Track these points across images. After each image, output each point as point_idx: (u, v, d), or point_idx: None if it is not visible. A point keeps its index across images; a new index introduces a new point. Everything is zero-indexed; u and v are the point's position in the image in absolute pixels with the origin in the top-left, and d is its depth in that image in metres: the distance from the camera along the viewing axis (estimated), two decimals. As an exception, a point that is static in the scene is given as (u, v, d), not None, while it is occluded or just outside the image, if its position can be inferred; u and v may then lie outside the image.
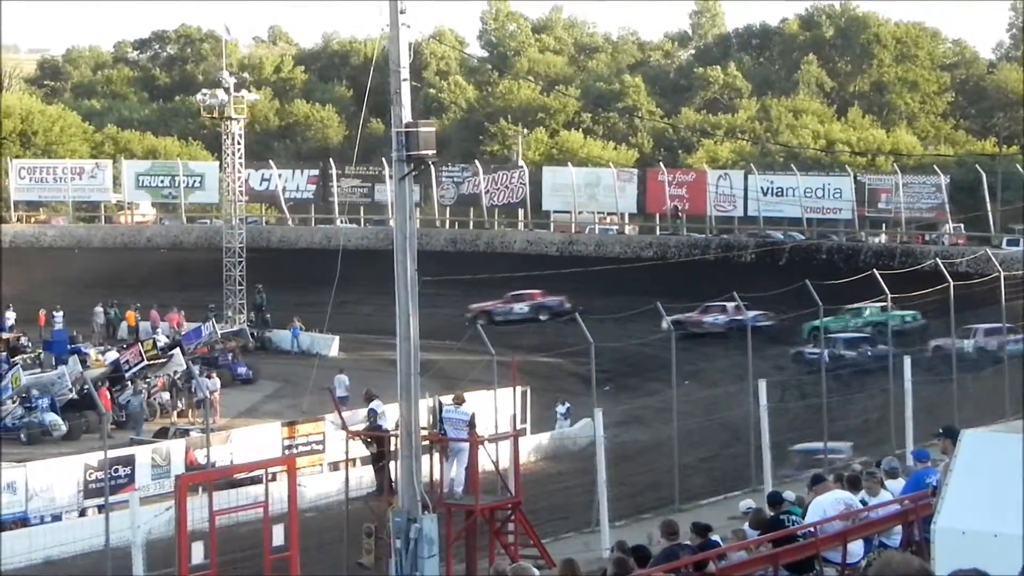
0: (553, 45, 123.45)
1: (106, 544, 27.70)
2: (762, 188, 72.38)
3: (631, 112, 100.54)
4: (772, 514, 18.02)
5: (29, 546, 32.40)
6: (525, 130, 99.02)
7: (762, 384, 32.80)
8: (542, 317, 62.90)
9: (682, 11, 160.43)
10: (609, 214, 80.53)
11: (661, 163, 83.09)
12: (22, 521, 34.31)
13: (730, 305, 52.43)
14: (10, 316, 62.59)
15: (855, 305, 52.94)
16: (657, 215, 76.93)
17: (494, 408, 31.33)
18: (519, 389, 36.85)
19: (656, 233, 76.50)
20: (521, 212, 79.97)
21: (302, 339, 61.67)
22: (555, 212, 79.28)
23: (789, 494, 19.65)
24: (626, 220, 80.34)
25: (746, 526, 18.34)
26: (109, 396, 46.72)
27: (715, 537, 17.26)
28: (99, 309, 64.66)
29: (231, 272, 65.25)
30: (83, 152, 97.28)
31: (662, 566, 15.18)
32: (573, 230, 77.67)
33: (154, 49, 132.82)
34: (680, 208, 74.41)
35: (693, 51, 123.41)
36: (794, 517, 17.57)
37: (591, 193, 77.69)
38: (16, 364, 50.27)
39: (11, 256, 76.96)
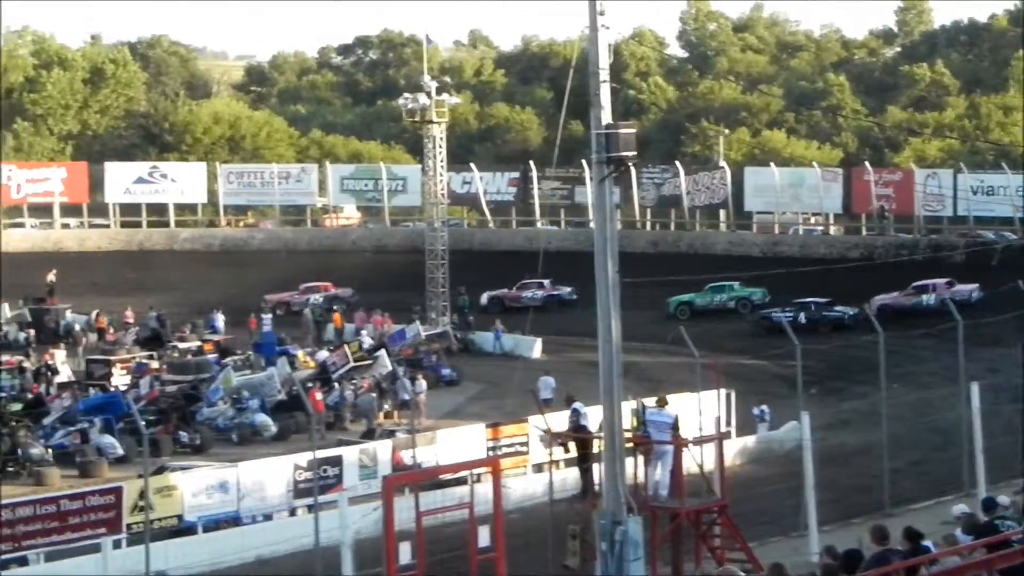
0: (755, 44, 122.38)
1: (316, 543, 28.09)
2: (972, 187, 70.81)
3: (835, 111, 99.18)
4: (986, 519, 17.56)
5: (242, 544, 33.02)
6: (726, 130, 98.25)
7: (974, 387, 32.05)
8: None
9: (887, 8, 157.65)
10: (813, 214, 79.53)
11: (867, 162, 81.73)
12: (234, 520, 34.97)
13: (546, 281, 64.95)
14: (220, 318, 63.92)
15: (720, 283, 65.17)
16: (863, 215, 75.69)
17: (698, 411, 31.06)
18: (723, 392, 36.51)
19: (862, 234, 75.29)
20: (723, 213, 79.33)
21: (504, 341, 61.91)
22: (757, 213, 78.45)
23: (1003, 499, 19.14)
24: (831, 220, 79.19)
25: (958, 531, 17.91)
26: (319, 397, 47.57)
27: (927, 543, 16.87)
28: (307, 311, 65.74)
29: (434, 274, 65.84)
30: (289, 157, 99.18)
31: (873, 571, 14.91)
32: (776, 231, 76.84)
33: (357, 54, 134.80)
34: (886, 208, 73.11)
35: (899, 48, 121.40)
36: (1009, 522, 17.10)
37: (794, 193, 76.73)
38: (227, 366, 51.29)
39: (221, 259, 78.76)
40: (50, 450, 42.52)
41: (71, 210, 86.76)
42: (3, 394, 47.19)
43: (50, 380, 50.89)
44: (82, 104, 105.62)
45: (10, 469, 41.08)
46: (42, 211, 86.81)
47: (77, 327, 63.44)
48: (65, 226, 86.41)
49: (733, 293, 65.46)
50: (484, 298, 68.60)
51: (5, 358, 55.74)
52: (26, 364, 53.13)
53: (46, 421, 44.73)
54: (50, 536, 31.20)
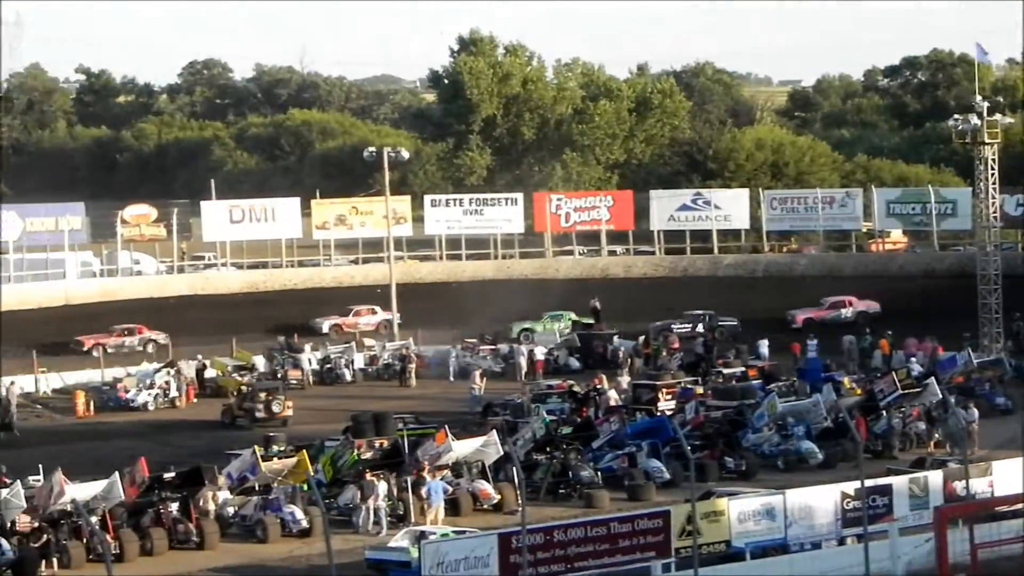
0: None
1: (866, 573, 27.35)
2: None
3: None
4: None
5: (790, 572, 32.57)
6: None
7: None
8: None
9: None
10: None
11: None
12: (782, 547, 34.54)
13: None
14: (764, 344, 63.62)
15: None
16: None
17: None
18: None
19: None
20: None
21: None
22: None
23: None
24: None
25: None
26: (865, 426, 46.52)
27: None
28: (850, 337, 64.55)
29: (986, 300, 63.40)
30: (833, 181, 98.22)
31: None
32: None
33: (904, 76, 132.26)
34: None
35: None
36: None
37: None
38: (771, 392, 50.92)
39: (764, 285, 78.69)
40: (599, 473, 43.28)
41: (617, 237, 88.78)
42: (554, 417, 48.38)
43: (599, 404, 51.88)
44: (628, 133, 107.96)
45: (561, 491, 42.05)
46: (590, 239, 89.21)
47: (623, 352, 64.56)
48: (612, 253, 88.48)
49: None
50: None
51: (555, 382, 57.31)
52: (576, 388, 54.38)
53: (595, 444, 45.55)
54: (601, 558, 31.60)
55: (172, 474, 38.74)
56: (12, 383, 59.74)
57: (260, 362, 64.28)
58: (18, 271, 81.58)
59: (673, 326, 68.52)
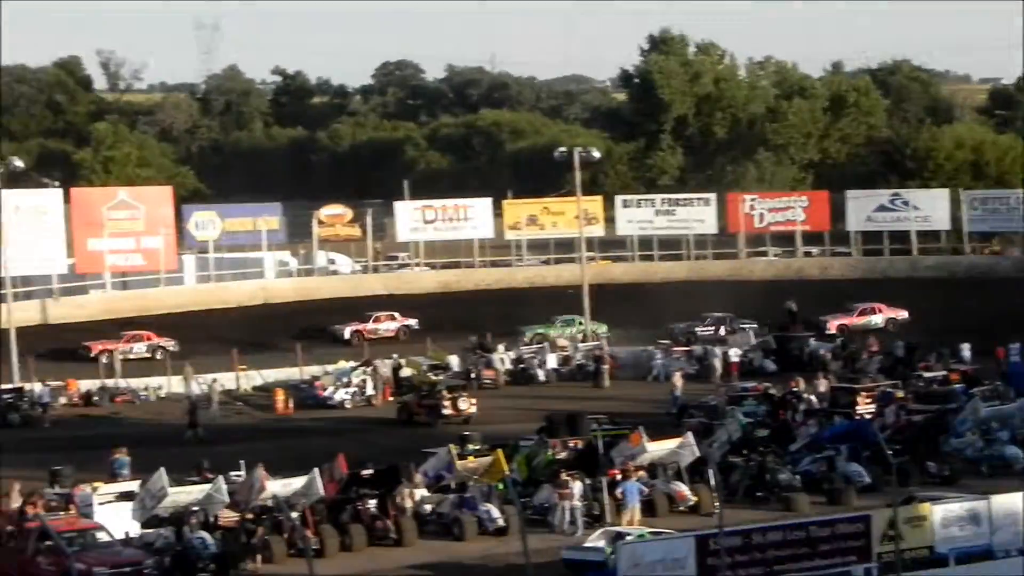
0: None
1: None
2: None
3: None
4: None
5: (998, 579, 31.88)
6: None
7: None
8: None
9: None
10: None
11: None
12: (987, 553, 33.70)
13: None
14: (966, 347, 62.27)
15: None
16: None
17: None
18: None
19: None
20: None
21: None
22: None
23: None
24: None
25: None
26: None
27: None
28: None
29: None
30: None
31: None
32: None
33: None
34: None
35: None
36: None
37: None
38: (974, 396, 49.77)
39: (965, 286, 77.01)
40: (797, 476, 42.68)
41: (813, 238, 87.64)
42: (750, 420, 47.86)
43: (796, 407, 51.16)
44: (823, 133, 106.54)
45: (759, 494, 41.54)
46: (784, 240, 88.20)
47: (822, 353, 63.69)
48: (807, 254, 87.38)
49: None
50: None
51: (751, 384, 56.68)
52: (772, 391, 53.71)
53: (792, 447, 44.95)
54: (800, 561, 31.13)
55: (370, 471, 39.06)
56: (214, 380, 60.95)
57: (454, 361, 64.67)
58: (218, 270, 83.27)
59: (696, 328, 69.90)
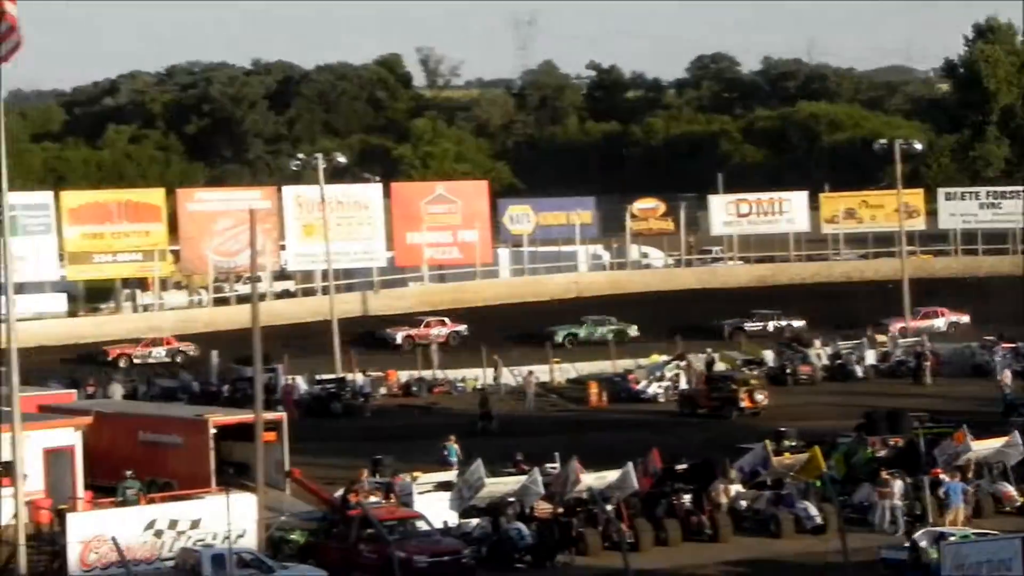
0: None
1: None
2: None
3: None
4: None
5: None
6: None
7: None
8: None
9: None
10: None
11: None
12: None
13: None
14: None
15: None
16: None
17: None
18: None
19: None
20: None
21: None
22: None
23: None
24: None
25: None
26: None
27: None
28: None
29: None
30: None
31: None
32: None
33: None
34: None
35: None
36: None
37: None
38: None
39: None
40: None
41: None
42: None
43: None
44: None
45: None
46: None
47: None
48: None
49: None
50: None
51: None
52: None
53: None
54: None
55: (684, 466, 38.80)
56: (530, 372, 61.51)
57: (769, 357, 63.93)
58: (532, 263, 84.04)
59: (745, 325, 72.10)
